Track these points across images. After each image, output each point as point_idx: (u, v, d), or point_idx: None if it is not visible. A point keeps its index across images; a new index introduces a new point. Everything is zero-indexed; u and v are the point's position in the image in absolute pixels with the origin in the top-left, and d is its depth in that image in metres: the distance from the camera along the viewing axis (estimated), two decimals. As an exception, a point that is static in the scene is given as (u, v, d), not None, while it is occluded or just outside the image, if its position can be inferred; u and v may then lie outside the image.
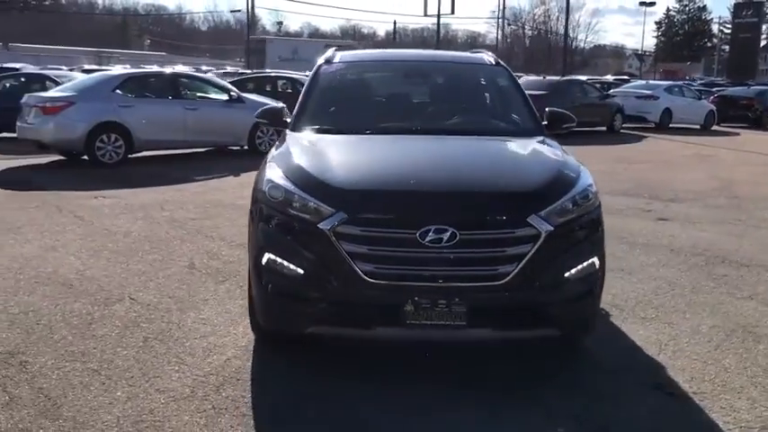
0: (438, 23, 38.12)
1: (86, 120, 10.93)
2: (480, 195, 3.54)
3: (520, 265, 3.38)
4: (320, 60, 5.13)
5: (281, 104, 5.01)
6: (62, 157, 11.91)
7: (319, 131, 4.45)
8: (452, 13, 37.79)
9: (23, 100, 11.42)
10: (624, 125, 21.17)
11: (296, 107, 4.71)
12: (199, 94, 12.75)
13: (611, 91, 23.14)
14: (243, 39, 61.68)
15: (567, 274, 3.52)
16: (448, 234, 3.32)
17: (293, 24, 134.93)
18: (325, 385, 3.62)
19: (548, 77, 23.73)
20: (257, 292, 3.69)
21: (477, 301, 3.38)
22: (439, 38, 40.48)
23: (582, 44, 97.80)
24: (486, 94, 5.26)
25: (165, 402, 3.42)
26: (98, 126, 11.00)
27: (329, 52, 5.23)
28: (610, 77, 34.98)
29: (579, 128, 19.91)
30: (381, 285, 3.35)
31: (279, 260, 3.51)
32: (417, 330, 3.41)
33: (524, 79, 19.85)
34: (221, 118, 12.41)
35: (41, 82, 15.16)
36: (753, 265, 6.07)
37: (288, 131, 4.51)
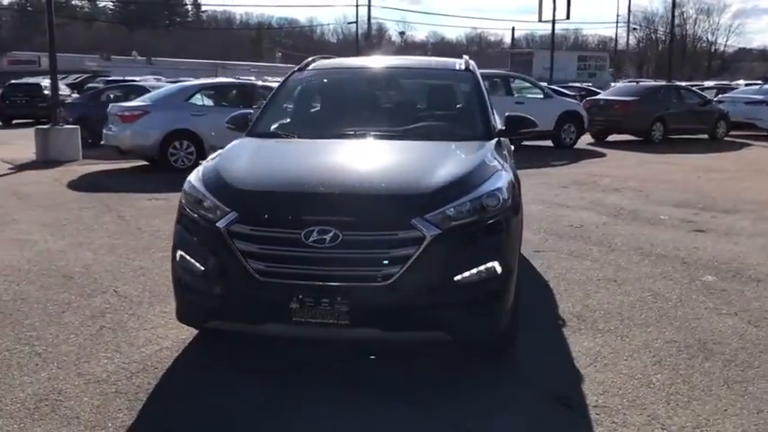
0: (552, 30, 37.15)
1: (160, 128, 11.72)
2: (364, 198, 3.59)
3: (405, 267, 3.40)
4: (295, 68, 5.33)
5: (249, 110, 5.20)
6: (145, 163, 12.80)
7: (266, 136, 4.66)
8: (567, 18, 36.77)
9: (108, 109, 12.41)
10: (731, 132, 19.89)
11: (258, 113, 4.94)
12: None
13: (720, 96, 21.77)
14: (370, 49, 63.01)
15: (458, 278, 3.50)
16: (330, 235, 3.40)
17: (419, 34, 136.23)
18: (231, 377, 3.80)
19: (642, 82, 22.64)
20: (173, 288, 3.92)
21: (361, 301, 3.43)
22: (554, 43, 39.43)
23: (722, 48, 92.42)
24: (444, 100, 5.27)
25: (78, 385, 3.70)
26: (171, 133, 11.76)
27: (307, 60, 5.42)
28: (724, 83, 32.30)
29: (677, 135, 19.29)
30: (270, 283, 3.48)
31: (187, 257, 3.73)
32: (303, 328, 3.51)
33: (618, 85, 19.13)
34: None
35: (140, 93, 16.32)
36: (765, 281, 5.66)
37: (244, 136, 4.74)
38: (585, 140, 17.42)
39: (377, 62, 5.73)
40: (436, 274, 3.47)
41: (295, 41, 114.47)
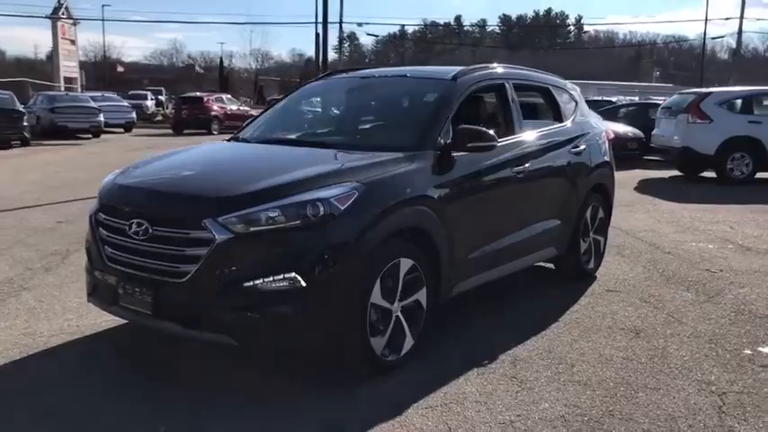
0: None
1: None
2: (173, 196, 3.73)
3: (197, 267, 3.47)
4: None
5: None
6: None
7: (233, 140, 4.97)
8: None
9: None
10: None
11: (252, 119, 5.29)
12: None
13: None
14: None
15: (248, 284, 3.43)
16: (143, 228, 3.64)
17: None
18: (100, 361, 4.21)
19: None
20: None
21: (162, 294, 3.58)
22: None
23: None
24: (402, 110, 4.95)
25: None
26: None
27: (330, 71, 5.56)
28: None
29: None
30: (111, 268, 3.83)
31: (87, 241, 4.26)
32: (125, 312, 3.80)
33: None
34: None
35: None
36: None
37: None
38: None
39: (373, 72, 5.58)
40: (224, 277, 3.45)
41: (682, 59, 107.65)
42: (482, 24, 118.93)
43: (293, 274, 3.43)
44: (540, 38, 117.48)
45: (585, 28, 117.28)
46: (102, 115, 24.73)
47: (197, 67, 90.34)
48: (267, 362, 4.05)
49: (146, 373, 3.96)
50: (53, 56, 45.63)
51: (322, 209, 3.51)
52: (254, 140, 4.87)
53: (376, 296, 3.73)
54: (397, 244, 3.89)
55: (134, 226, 3.67)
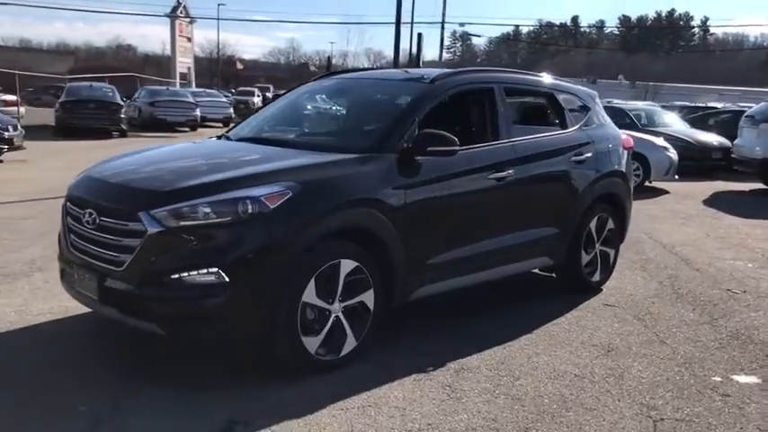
0: None
1: None
2: (119, 188, 3.92)
3: (131, 257, 3.65)
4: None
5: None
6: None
7: (220, 137, 5.14)
8: None
9: None
10: None
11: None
12: None
13: None
14: None
15: (174, 276, 3.57)
16: (93, 217, 3.86)
17: None
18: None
19: None
20: None
21: (104, 281, 3.78)
22: None
23: None
24: (371, 112, 4.92)
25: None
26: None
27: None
28: None
29: None
30: (72, 254, 4.08)
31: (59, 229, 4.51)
32: (80, 296, 4.03)
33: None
34: None
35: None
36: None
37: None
38: None
39: (365, 74, 5.58)
40: (154, 268, 3.61)
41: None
42: (600, 25, 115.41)
43: (216, 269, 3.54)
44: (662, 40, 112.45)
45: (712, 30, 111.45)
46: (198, 110, 25.90)
47: (311, 66, 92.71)
48: (209, 352, 4.17)
49: (96, 353, 4.20)
50: (171, 52, 48.14)
51: (251, 206, 3.60)
52: (235, 138, 5.01)
53: (310, 295, 3.78)
54: (337, 245, 3.92)
55: (86, 215, 3.89)
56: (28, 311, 4.82)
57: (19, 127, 14.73)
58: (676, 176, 12.59)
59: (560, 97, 5.67)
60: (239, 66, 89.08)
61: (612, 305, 5.46)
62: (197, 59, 55.28)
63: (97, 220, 3.82)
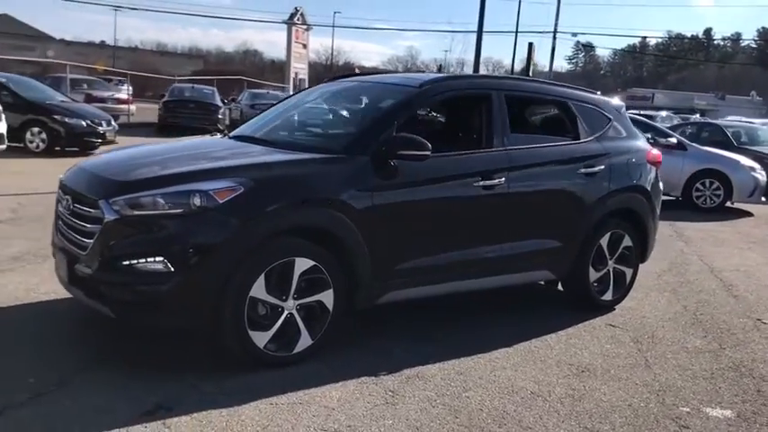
0: None
1: None
2: (92, 178, 4.13)
3: (93, 242, 3.86)
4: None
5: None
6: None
7: (223, 135, 5.33)
8: None
9: None
10: None
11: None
12: None
13: None
14: None
15: (126, 263, 3.73)
16: (69, 203, 4.11)
17: None
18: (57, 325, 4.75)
19: None
20: None
21: (71, 263, 4.02)
22: None
23: None
24: (353, 115, 4.89)
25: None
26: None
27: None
28: None
29: None
30: (58, 239, 4.35)
31: None
32: (59, 278, 4.28)
33: None
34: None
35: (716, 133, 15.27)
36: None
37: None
38: None
39: (367, 78, 5.55)
40: (109, 253, 3.79)
41: None
42: (735, 38, 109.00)
43: (162, 258, 3.68)
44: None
45: None
46: (297, 112, 26.62)
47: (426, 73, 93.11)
48: (171, 339, 4.30)
49: (67, 333, 4.45)
50: (286, 58, 49.80)
51: (199, 199, 3.71)
52: (233, 136, 5.17)
53: (259, 291, 3.84)
54: (292, 242, 3.97)
55: (65, 201, 4.15)
56: (36, 290, 5.15)
57: (113, 122, 15.68)
58: (763, 198, 11.75)
59: (574, 107, 5.45)
60: (357, 71, 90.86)
61: (616, 325, 5.20)
62: (313, 65, 56.85)
63: (71, 207, 4.06)
